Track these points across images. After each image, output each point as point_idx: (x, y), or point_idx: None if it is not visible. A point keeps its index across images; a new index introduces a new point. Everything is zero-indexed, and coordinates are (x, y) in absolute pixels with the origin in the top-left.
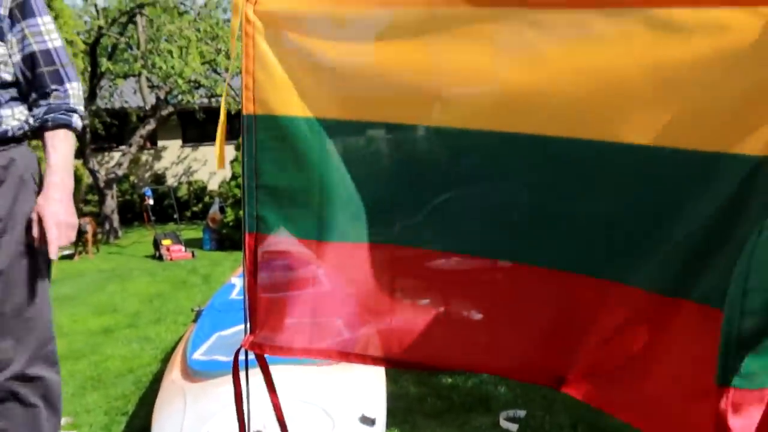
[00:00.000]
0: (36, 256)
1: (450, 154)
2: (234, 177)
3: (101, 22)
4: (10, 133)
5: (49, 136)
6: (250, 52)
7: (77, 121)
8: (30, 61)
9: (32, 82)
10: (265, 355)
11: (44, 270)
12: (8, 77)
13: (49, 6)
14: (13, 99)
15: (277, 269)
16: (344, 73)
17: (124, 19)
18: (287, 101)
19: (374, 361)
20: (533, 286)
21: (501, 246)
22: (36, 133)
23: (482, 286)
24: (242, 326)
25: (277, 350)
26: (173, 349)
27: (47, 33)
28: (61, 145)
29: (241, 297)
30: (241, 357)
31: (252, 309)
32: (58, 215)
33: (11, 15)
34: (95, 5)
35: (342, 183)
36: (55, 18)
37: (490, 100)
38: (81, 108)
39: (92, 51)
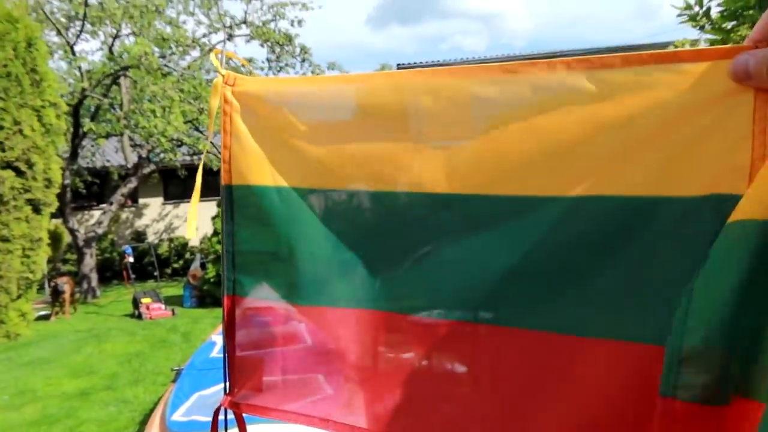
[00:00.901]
0: None
1: (420, 219)
2: (216, 233)
3: (85, 84)
4: None
5: None
6: (228, 128)
7: None
8: None
9: None
10: (244, 415)
11: None
12: None
13: (33, 70)
14: None
15: (253, 329)
16: (311, 146)
17: (108, 81)
18: (260, 172)
19: (351, 429)
20: (512, 346)
21: (477, 308)
22: None
23: (464, 350)
24: (222, 385)
25: (255, 409)
26: (152, 410)
27: None
28: None
29: (222, 355)
30: (221, 417)
31: (231, 368)
32: None
33: None
34: (79, 68)
35: (312, 248)
36: (40, 81)
37: (455, 165)
38: None
39: (75, 112)
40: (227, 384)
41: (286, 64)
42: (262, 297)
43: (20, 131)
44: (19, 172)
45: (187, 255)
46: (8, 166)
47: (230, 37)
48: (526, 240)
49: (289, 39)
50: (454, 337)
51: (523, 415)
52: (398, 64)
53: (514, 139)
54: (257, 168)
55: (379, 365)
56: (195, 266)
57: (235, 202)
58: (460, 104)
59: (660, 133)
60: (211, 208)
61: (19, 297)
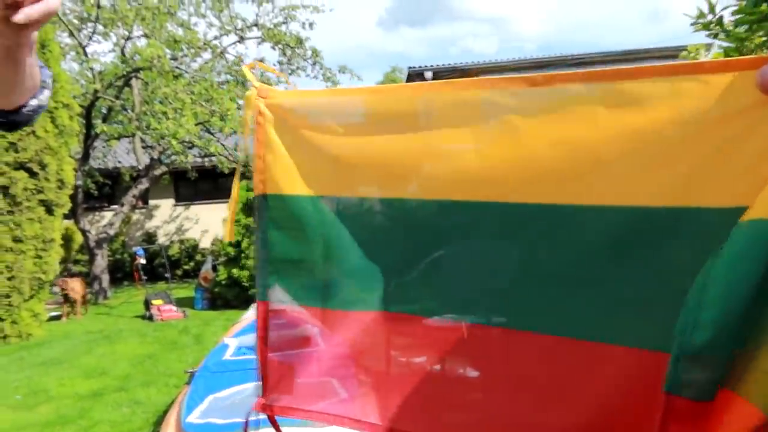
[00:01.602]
0: None
1: (438, 225)
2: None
3: (97, 85)
4: None
5: None
6: (261, 139)
7: None
8: None
9: None
10: (277, 417)
11: None
12: None
13: None
14: None
15: (285, 333)
16: (342, 156)
17: (120, 83)
18: (293, 181)
19: (374, 428)
20: (524, 350)
21: (490, 312)
22: None
23: (476, 353)
24: (237, 388)
25: (287, 411)
26: (165, 412)
27: None
28: None
29: (235, 358)
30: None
31: (263, 371)
32: None
33: None
34: (91, 69)
35: (342, 254)
36: (52, 82)
37: (474, 173)
38: None
39: (87, 113)
40: (260, 386)
41: (297, 67)
42: (295, 302)
43: (33, 132)
44: (32, 173)
45: (198, 257)
46: (21, 167)
47: (242, 39)
48: (547, 246)
49: (300, 42)
50: (474, 341)
51: (536, 418)
52: (409, 68)
53: (538, 148)
54: (290, 178)
55: (398, 368)
56: (206, 268)
57: (269, 211)
58: (484, 115)
59: (687, 144)
60: (222, 209)
61: (31, 297)
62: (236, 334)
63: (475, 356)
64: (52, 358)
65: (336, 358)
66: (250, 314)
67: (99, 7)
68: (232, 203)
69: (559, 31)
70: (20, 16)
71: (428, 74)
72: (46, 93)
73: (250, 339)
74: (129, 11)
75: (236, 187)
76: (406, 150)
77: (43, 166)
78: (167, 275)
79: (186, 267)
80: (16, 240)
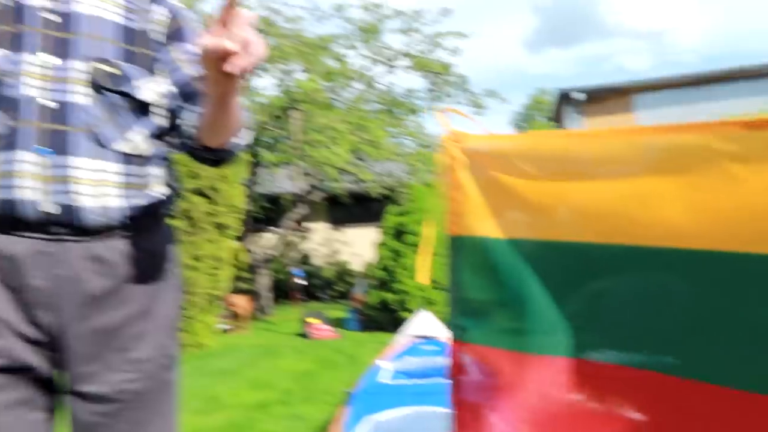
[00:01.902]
0: (171, 370)
1: (638, 272)
2: (379, 259)
3: (262, 117)
4: (159, 205)
5: None
6: (454, 181)
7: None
8: (183, 88)
9: (185, 102)
10: None
11: (175, 390)
12: (161, 121)
13: None
14: (164, 158)
15: (477, 374)
16: (537, 199)
17: (282, 114)
18: (486, 224)
19: None
20: (699, 401)
21: (691, 362)
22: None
23: (655, 401)
24: (396, 411)
25: None
26: (324, 429)
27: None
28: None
29: (392, 382)
30: None
31: (455, 412)
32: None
33: (166, 43)
34: (257, 102)
35: (535, 298)
36: None
37: (686, 220)
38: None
39: (254, 143)
40: (453, 426)
41: (445, 94)
42: (488, 344)
43: None
44: (207, 198)
45: (350, 279)
46: (199, 192)
47: (391, 68)
48: (757, 297)
49: (446, 68)
50: (651, 387)
51: None
52: (560, 89)
53: (757, 197)
54: (483, 220)
55: (588, 414)
56: (358, 291)
57: (462, 252)
58: (699, 161)
59: None
60: (372, 233)
61: (205, 311)
62: (391, 358)
63: (677, 409)
64: (222, 368)
65: (527, 403)
66: (403, 339)
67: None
68: (425, 245)
69: (721, 42)
70: (232, 67)
71: (579, 95)
72: (248, 132)
73: (405, 364)
74: (291, 48)
75: (430, 230)
76: (611, 195)
77: (217, 192)
78: (322, 296)
79: (339, 288)
80: (195, 259)
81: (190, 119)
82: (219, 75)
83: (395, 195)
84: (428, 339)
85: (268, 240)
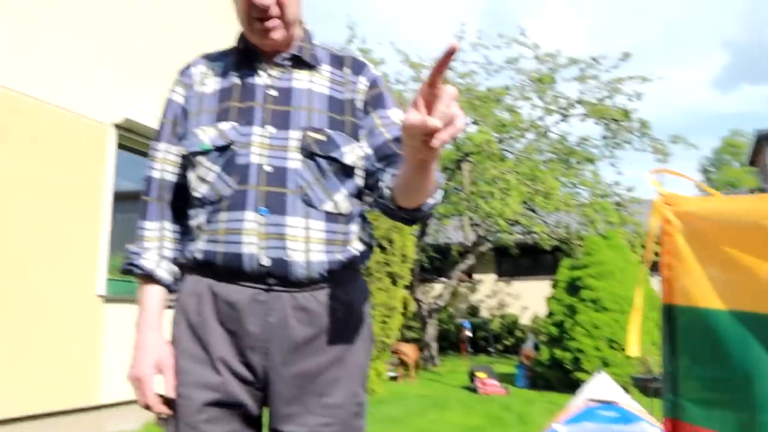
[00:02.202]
0: (361, 417)
1: None
2: (551, 314)
3: None
4: (357, 260)
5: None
6: (669, 248)
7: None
8: (381, 150)
9: (385, 164)
10: None
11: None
12: (361, 183)
13: None
14: (360, 215)
15: None
16: (765, 268)
17: (453, 166)
18: (706, 293)
19: None
20: None
21: None
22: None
23: None
24: None
25: None
26: None
27: (399, 123)
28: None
29: None
30: None
31: None
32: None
33: (365, 109)
34: None
35: (763, 377)
36: None
37: None
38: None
39: None
40: None
41: (624, 141)
42: (707, 426)
43: None
44: (382, 248)
45: (518, 333)
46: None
47: (565, 117)
48: None
49: (627, 114)
50: None
51: None
52: (758, 131)
53: None
54: (702, 289)
55: None
56: (528, 346)
57: (678, 322)
58: None
59: None
60: (543, 287)
61: (376, 358)
62: (566, 422)
63: None
64: (391, 416)
65: None
66: (579, 401)
67: None
68: (635, 314)
69: None
70: (436, 142)
71: None
72: (440, 193)
73: (582, 429)
74: (463, 102)
75: (639, 297)
76: None
77: (390, 242)
78: (490, 349)
79: (506, 342)
80: (374, 306)
81: (387, 180)
82: (421, 146)
83: (569, 247)
84: (606, 404)
85: (436, 290)
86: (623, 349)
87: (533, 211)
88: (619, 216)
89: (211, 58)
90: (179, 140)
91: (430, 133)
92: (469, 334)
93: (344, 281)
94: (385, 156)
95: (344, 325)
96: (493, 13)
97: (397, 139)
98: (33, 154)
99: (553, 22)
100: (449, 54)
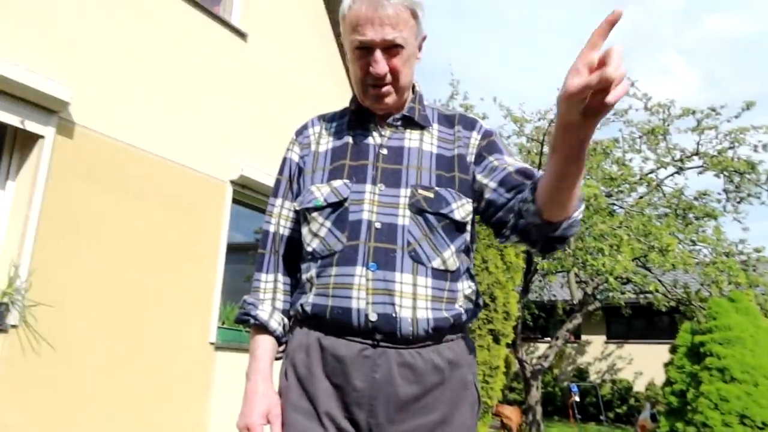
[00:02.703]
0: None
1: None
2: (670, 382)
3: None
4: (463, 318)
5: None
6: None
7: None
8: (504, 183)
9: (510, 192)
10: None
11: None
12: (470, 238)
13: None
14: (468, 273)
15: None
16: None
17: None
18: None
19: None
20: None
21: None
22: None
23: None
24: None
25: None
26: None
27: (516, 163)
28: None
29: None
30: None
31: None
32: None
33: (478, 158)
34: None
35: None
36: None
37: None
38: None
39: (528, 250)
40: None
41: (748, 194)
42: None
43: (486, 268)
44: (483, 305)
45: (632, 401)
46: None
47: (680, 170)
48: None
49: (753, 166)
50: None
51: None
52: None
53: None
54: None
55: None
56: (644, 416)
57: None
58: None
59: None
60: (659, 351)
61: (477, 419)
62: None
63: None
64: None
65: None
66: None
67: (542, 155)
68: None
69: None
70: (612, 97)
71: None
72: (582, 206)
73: None
74: None
75: None
76: None
77: (493, 299)
78: (601, 417)
79: (618, 410)
80: (482, 363)
81: (529, 194)
82: (579, 119)
83: (688, 309)
84: None
85: (540, 350)
86: (760, 427)
87: (647, 269)
88: (746, 276)
89: (325, 119)
90: (294, 196)
91: (603, 89)
92: (576, 399)
93: (450, 339)
94: (513, 186)
95: (450, 384)
96: None
97: (520, 171)
98: (161, 208)
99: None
100: (612, 21)
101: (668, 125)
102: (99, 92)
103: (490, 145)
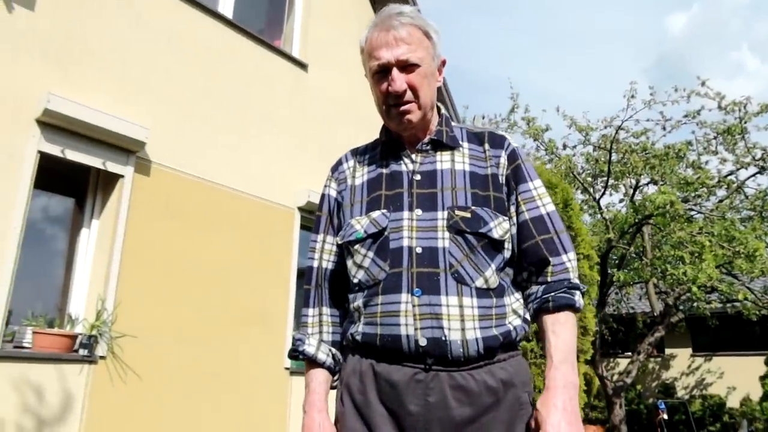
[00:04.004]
0: None
1: None
2: (767, 396)
3: (611, 234)
4: (514, 335)
5: (548, 320)
6: None
7: (580, 300)
8: (522, 230)
9: (525, 255)
10: None
11: None
12: (509, 255)
13: (569, 227)
14: (513, 283)
15: None
16: None
17: (631, 230)
18: None
19: None
20: None
21: None
22: (532, 317)
23: None
24: None
25: None
26: None
27: (539, 198)
28: (563, 332)
29: None
30: None
31: None
32: (552, 427)
33: (507, 183)
34: (605, 220)
35: None
36: (575, 236)
37: None
38: (581, 284)
39: (602, 262)
40: None
41: None
42: None
43: None
44: None
45: (725, 418)
46: None
47: (762, 170)
48: None
49: None
50: None
51: None
52: None
53: None
54: None
55: None
56: None
57: None
58: None
59: None
60: (753, 364)
61: None
62: None
63: None
64: None
65: None
66: None
67: (610, 162)
68: None
69: None
70: None
71: None
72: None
73: None
74: (638, 162)
75: None
76: None
77: None
78: None
79: (711, 428)
80: None
81: (530, 310)
82: None
83: None
84: None
85: (620, 366)
86: None
87: (734, 276)
88: None
89: (358, 152)
90: (336, 231)
91: None
92: (665, 416)
93: (503, 359)
94: (531, 263)
95: (505, 404)
96: (661, 70)
97: (536, 219)
98: (233, 237)
99: (734, 68)
100: None
101: (746, 123)
102: (172, 131)
103: (515, 172)
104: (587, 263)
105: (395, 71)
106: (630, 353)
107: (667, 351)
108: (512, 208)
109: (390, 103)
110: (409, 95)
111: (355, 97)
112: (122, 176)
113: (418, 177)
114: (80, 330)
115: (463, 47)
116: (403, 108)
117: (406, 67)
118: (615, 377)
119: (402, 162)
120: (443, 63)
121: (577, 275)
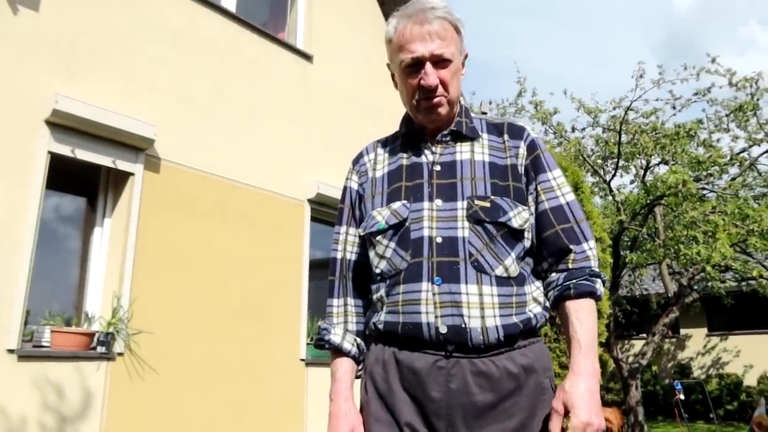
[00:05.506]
0: None
1: None
2: None
3: (622, 216)
4: (534, 322)
5: (571, 306)
6: None
7: (601, 289)
8: (541, 220)
9: (545, 244)
10: None
11: None
12: (529, 244)
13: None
14: (533, 272)
15: None
16: None
17: (643, 212)
18: None
19: None
20: None
21: None
22: (552, 304)
23: None
24: None
25: None
26: None
27: (558, 188)
28: (587, 319)
29: None
30: None
31: None
32: (584, 413)
33: (527, 173)
34: (616, 202)
35: None
36: (586, 219)
37: None
38: (602, 272)
39: (615, 244)
40: None
41: None
42: None
43: None
44: None
45: (743, 396)
46: None
47: None
48: None
49: None
50: None
51: None
52: None
53: None
54: None
55: None
56: (760, 412)
57: None
58: None
59: None
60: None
61: None
62: None
63: None
64: None
65: None
66: None
67: (620, 144)
68: None
69: None
70: None
71: None
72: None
73: None
74: (648, 142)
75: None
76: None
77: None
78: (711, 415)
79: (728, 407)
80: (562, 367)
81: (549, 298)
82: None
83: None
84: None
85: (635, 347)
86: None
87: (748, 254)
88: None
89: (380, 144)
90: (357, 223)
91: None
92: (681, 396)
93: (522, 345)
94: (551, 253)
95: (527, 390)
96: (669, 49)
97: (556, 209)
98: (244, 231)
99: (744, 44)
100: None
101: (758, 100)
102: (179, 127)
103: (535, 162)
104: (599, 246)
105: (429, 66)
106: (645, 335)
107: (683, 331)
108: (531, 198)
109: (420, 97)
110: (440, 90)
111: (361, 86)
112: (132, 174)
113: (437, 168)
114: (97, 328)
115: (469, 31)
116: (435, 101)
117: (439, 62)
118: (630, 359)
119: (422, 153)
120: (466, 56)
121: (597, 264)
